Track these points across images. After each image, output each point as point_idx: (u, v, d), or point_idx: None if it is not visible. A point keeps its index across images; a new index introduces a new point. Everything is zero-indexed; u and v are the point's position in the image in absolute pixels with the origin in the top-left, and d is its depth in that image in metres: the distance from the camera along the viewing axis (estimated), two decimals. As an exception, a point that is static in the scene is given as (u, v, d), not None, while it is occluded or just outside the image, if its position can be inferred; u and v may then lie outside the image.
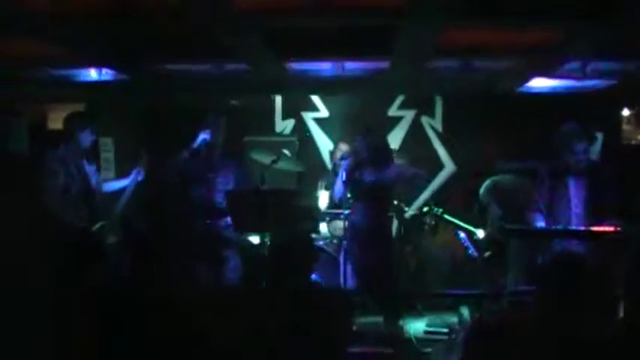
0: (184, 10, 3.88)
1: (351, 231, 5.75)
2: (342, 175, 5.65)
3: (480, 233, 6.27)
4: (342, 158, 5.79)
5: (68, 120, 5.60)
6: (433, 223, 6.03)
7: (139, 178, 5.79)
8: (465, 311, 5.14)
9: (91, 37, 4.61)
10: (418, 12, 3.74)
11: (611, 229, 4.98)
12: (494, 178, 6.67)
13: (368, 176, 5.68)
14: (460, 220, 5.79)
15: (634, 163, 6.61)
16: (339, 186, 5.73)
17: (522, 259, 5.97)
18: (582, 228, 5.14)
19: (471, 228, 6.06)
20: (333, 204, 6.15)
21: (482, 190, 6.62)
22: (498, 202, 6.39)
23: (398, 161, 6.07)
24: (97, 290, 2.88)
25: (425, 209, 5.91)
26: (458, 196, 7.45)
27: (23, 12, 3.94)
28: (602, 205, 5.25)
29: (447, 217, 5.86)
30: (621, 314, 2.92)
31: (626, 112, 6.84)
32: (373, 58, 5.53)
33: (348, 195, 5.75)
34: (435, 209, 5.83)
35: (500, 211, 6.32)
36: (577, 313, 2.75)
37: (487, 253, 6.03)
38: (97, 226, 5.49)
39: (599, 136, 6.76)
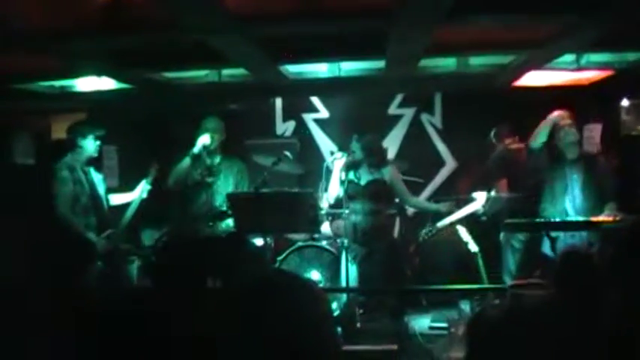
0: (178, 18, 3.93)
1: (352, 231, 5.80)
2: (341, 175, 5.72)
3: (480, 200, 6.25)
4: (335, 159, 5.86)
5: (71, 129, 5.70)
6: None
7: (144, 195, 5.89)
8: (466, 306, 5.18)
9: (89, 48, 4.67)
10: (406, 13, 3.78)
11: (610, 218, 5.04)
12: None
13: (364, 176, 5.76)
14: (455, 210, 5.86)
15: (634, 154, 6.63)
16: (335, 186, 5.79)
17: (516, 252, 6.02)
18: (581, 219, 5.21)
19: (471, 208, 6.14)
20: (330, 204, 6.20)
21: (491, 158, 6.57)
22: (507, 172, 6.32)
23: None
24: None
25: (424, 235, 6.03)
26: (461, 191, 7.47)
27: (21, 28, 4.00)
28: (600, 194, 5.32)
29: (441, 225, 5.96)
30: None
31: (625, 103, 6.84)
32: (368, 58, 5.58)
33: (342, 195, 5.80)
34: (429, 230, 5.93)
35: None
36: (585, 308, 2.79)
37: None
38: (105, 234, 5.59)
39: (594, 127, 6.77)
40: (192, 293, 2.82)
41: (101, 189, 5.81)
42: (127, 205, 5.91)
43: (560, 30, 4.57)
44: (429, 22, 4.06)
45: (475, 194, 6.27)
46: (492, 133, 6.70)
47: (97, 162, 5.90)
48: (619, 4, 3.90)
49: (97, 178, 5.78)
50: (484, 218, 6.29)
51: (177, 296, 2.76)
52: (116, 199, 5.99)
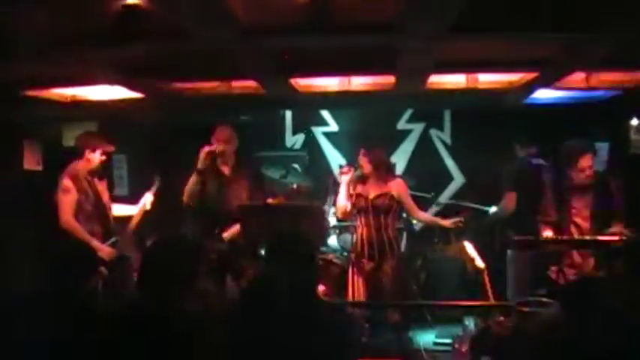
0: (190, 29, 3.97)
1: (359, 245, 5.81)
2: (349, 188, 5.72)
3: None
4: (343, 172, 5.86)
5: (80, 139, 5.74)
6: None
7: (147, 207, 5.90)
8: (470, 322, 5.16)
9: (100, 57, 4.71)
10: (410, 30, 3.81)
11: (617, 237, 5.02)
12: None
13: (372, 190, 5.76)
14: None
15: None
16: (342, 199, 5.78)
17: (522, 269, 6.01)
18: (588, 237, 5.20)
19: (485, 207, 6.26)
20: (337, 218, 6.20)
21: (507, 168, 6.52)
22: (519, 187, 6.28)
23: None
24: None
25: None
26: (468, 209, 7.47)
27: (30, 36, 4.05)
28: (608, 214, 5.30)
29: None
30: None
31: (634, 122, 6.84)
32: (378, 73, 5.60)
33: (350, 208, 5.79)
34: None
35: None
36: (590, 327, 2.79)
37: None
38: (111, 241, 5.61)
39: (604, 146, 6.77)
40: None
41: (105, 197, 5.83)
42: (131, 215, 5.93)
43: (568, 49, 4.58)
44: (436, 38, 4.08)
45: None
46: (516, 139, 6.62)
47: (103, 171, 5.91)
48: (627, 24, 3.91)
49: (101, 186, 5.80)
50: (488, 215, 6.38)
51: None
52: (119, 209, 6.01)
